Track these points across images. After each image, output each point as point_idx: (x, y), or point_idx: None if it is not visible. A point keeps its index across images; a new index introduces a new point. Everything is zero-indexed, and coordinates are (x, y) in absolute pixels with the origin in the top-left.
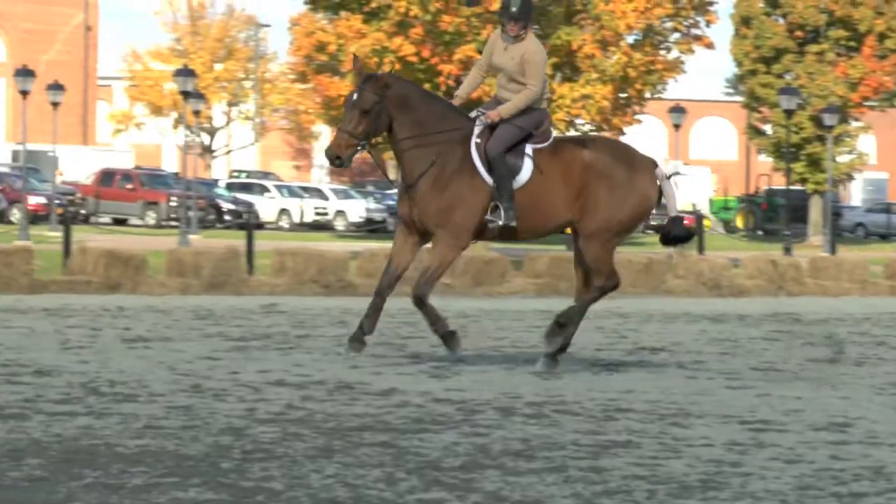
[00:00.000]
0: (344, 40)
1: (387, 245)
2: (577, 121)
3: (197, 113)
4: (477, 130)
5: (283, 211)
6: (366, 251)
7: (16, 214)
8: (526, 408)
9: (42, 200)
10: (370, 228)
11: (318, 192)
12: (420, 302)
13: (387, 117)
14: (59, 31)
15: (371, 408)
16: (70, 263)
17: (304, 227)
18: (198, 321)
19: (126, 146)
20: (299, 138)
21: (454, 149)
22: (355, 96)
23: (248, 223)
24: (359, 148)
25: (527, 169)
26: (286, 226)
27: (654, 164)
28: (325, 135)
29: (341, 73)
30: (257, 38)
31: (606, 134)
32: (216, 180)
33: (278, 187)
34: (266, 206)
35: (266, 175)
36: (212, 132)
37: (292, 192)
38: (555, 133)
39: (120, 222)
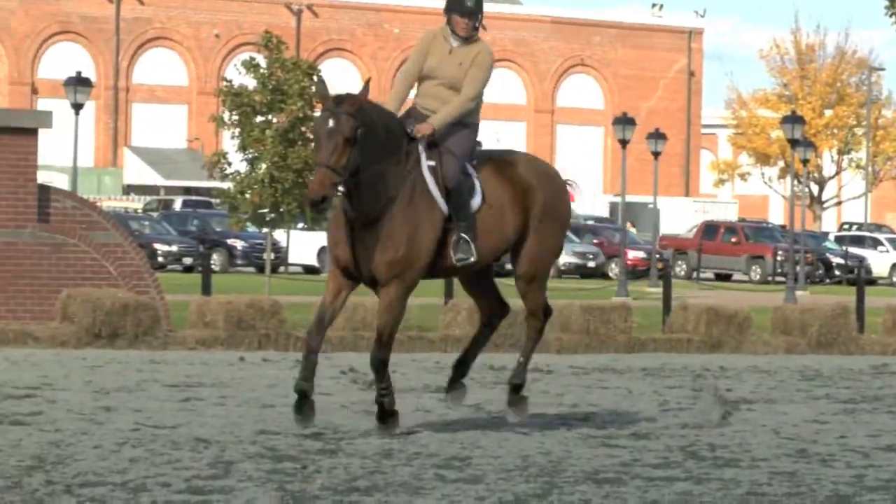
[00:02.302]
0: None
1: None
2: None
3: (805, 162)
4: (423, 150)
5: None
6: None
7: (614, 269)
8: None
9: (641, 255)
10: None
11: None
12: (382, 366)
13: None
14: (661, 77)
15: None
16: (669, 321)
17: None
18: (804, 382)
19: (730, 197)
20: None
21: (407, 177)
22: (331, 122)
23: (859, 278)
24: (340, 186)
25: (478, 192)
26: None
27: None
28: None
29: None
30: (870, 83)
31: None
32: (825, 233)
33: (891, 240)
34: (878, 261)
35: (879, 227)
36: (820, 182)
37: None
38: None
39: (723, 277)
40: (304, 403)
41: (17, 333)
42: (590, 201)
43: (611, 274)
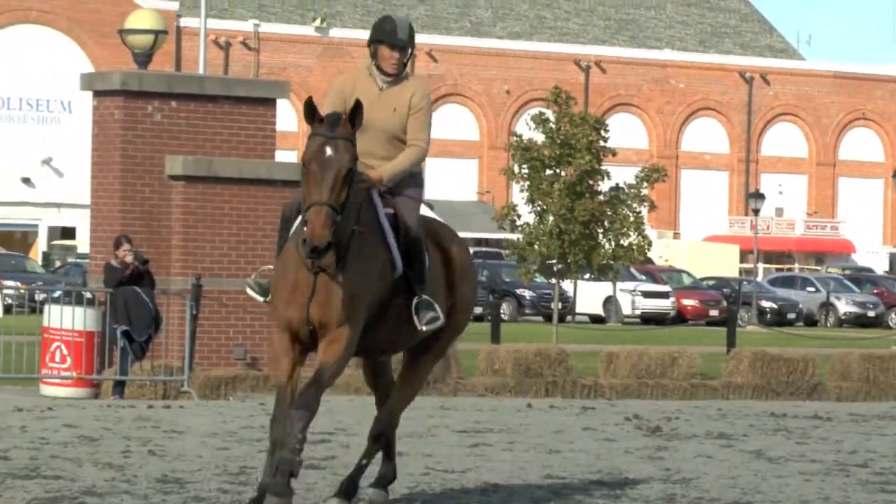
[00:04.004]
0: None
1: None
2: None
3: None
4: (376, 196)
5: None
6: None
7: (894, 319)
8: None
9: None
10: None
11: None
12: (307, 419)
13: None
14: None
15: None
16: None
17: None
18: None
19: None
20: None
21: (364, 215)
22: (329, 151)
23: None
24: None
25: (426, 249)
26: None
27: None
28: None
29: None
30: None
31: None
32: None
33: None
34: None
35: None
36: None
37: None
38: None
39: None
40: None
41: None
42: (870, 252)
43: (891, 323)
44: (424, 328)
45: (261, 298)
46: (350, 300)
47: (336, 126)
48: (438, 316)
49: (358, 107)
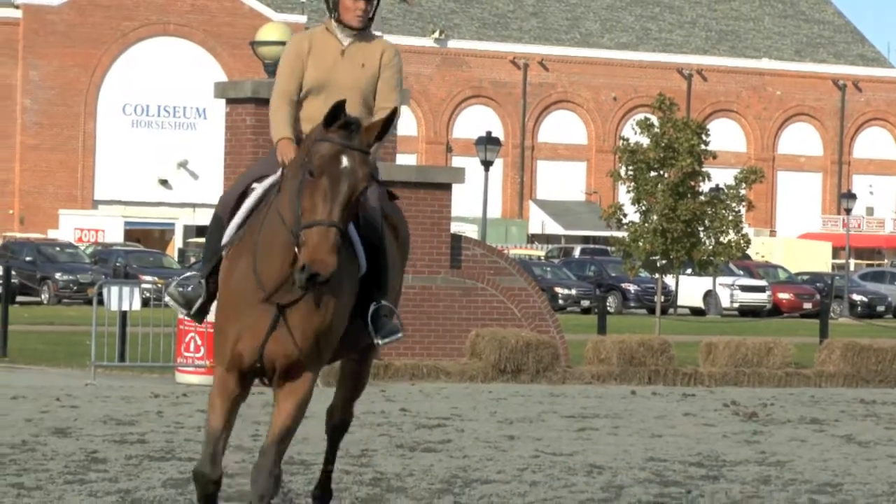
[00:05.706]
0: None
1: None
2: None
3: None
4: None
5: None
6: None
7: None
8: None
9: None
10: None
11: None
12: (277, 483)
13: None
14: None
15: None
16: None
17: None
18: None
19: None
20: None
21: None
22: (346, 162)
23: None
24: None
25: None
26: None
27: None
28: None
29: None
30: None
31: None
32: None
33: None
34: None
35: None
36: None
37: None
38: None
39: None
40: None
41: (430, 368)
42: None
43: None
44: (381, 342)
45: (184, 311)
46: (322, 334)
47: (353, 132)
48: (398, 328)
49: (391, 117)
